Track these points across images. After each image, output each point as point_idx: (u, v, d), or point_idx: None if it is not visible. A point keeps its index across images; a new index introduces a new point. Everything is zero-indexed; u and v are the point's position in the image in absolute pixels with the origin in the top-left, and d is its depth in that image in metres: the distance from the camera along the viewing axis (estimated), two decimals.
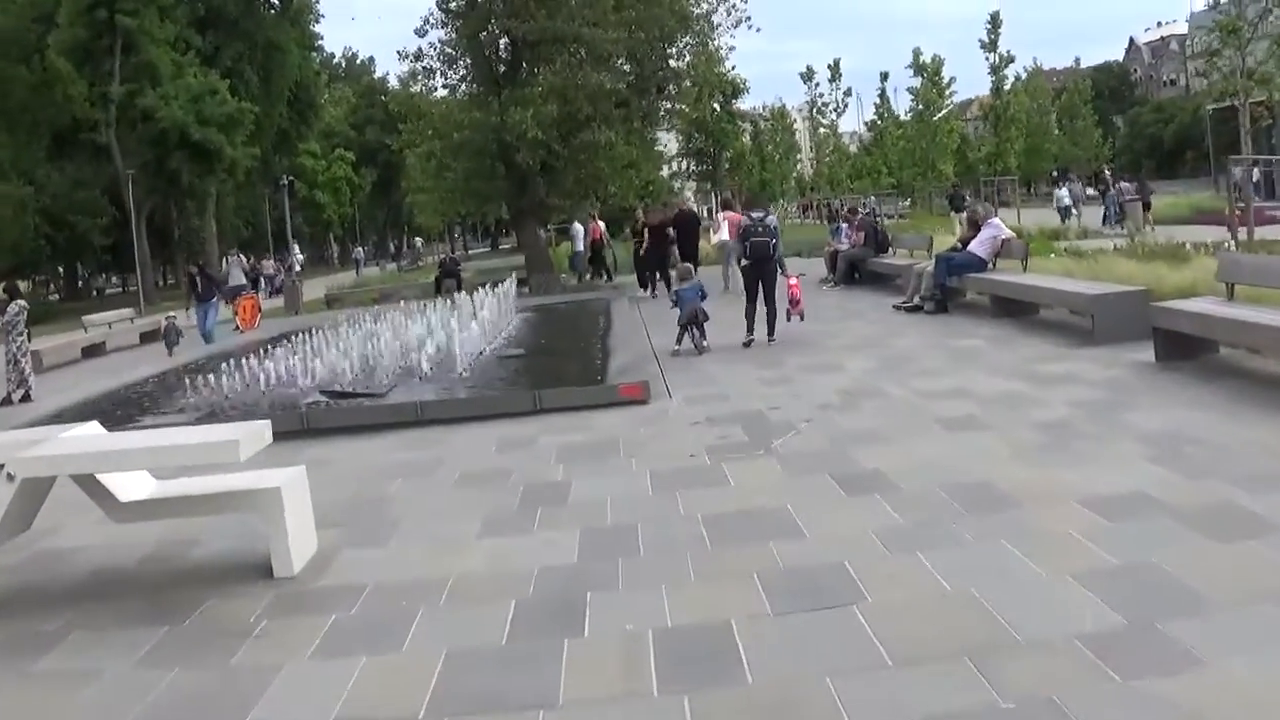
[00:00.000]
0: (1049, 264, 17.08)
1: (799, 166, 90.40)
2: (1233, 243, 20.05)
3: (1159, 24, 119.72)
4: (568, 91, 28.28)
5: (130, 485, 6.31)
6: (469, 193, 32.75)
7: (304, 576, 5.96)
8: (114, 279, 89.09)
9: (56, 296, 75.72)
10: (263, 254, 62.96)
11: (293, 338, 16.00)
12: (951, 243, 18.27)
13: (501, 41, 31.46)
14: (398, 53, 33.80)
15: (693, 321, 13.62)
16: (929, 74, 65.28)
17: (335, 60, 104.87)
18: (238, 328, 25.54)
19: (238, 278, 31.47)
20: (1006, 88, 65.85)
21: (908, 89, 67.63)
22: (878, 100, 75.24)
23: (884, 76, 73.79)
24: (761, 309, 13.73)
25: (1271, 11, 25.87)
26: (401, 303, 20.74)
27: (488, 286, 20.92)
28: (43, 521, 6.66)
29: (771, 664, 4.25)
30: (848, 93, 74.83)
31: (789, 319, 13.85)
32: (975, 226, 16.04)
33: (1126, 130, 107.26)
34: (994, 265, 15.36)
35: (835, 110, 74.70)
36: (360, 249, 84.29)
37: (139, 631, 5.30)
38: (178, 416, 11.79)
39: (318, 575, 5.97)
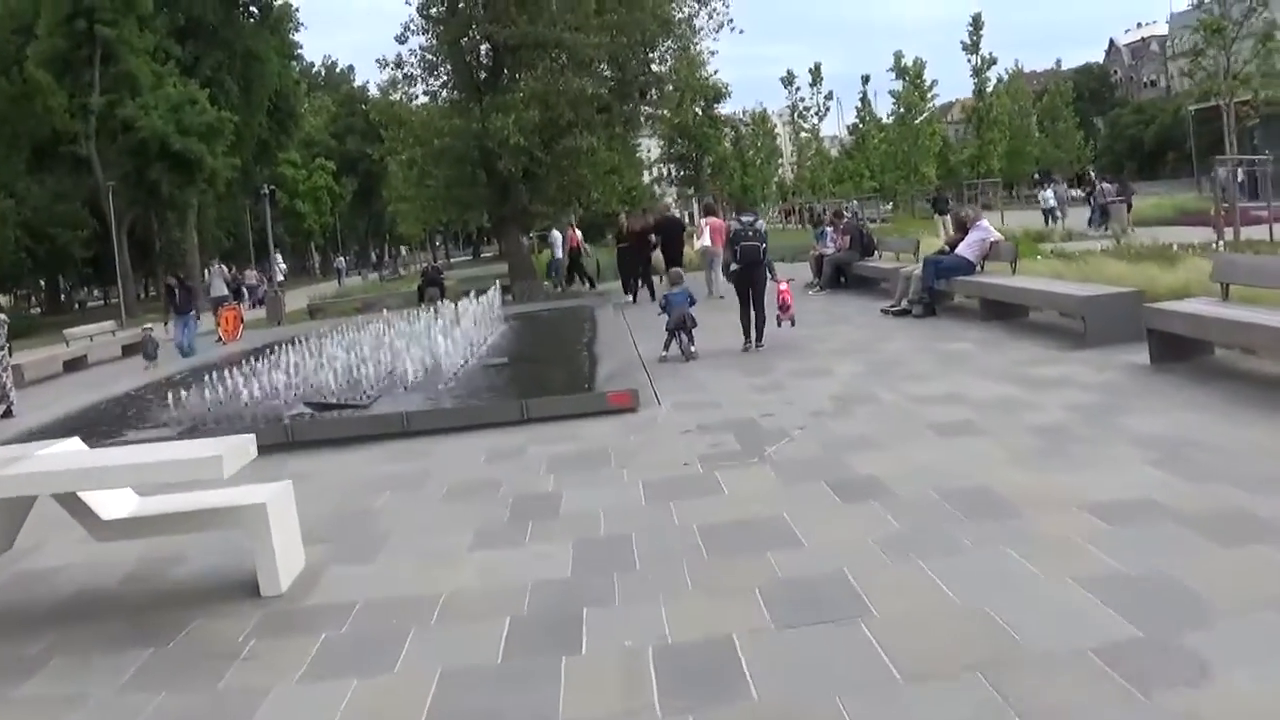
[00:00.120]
0: (1037, 266, 17.04)
1: (780, 171, 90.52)
2: (1220, 243, 20.04)
3: (1139, 25, 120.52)
4: (549, 97, 28.24)
5: (112, 503, 6.16)
6: (451, 200, 32.71)
7: (292, 594, 5.82)
8: (96, 292, 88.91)
9: (38, 310, 75.43)
10: (245, 264, 62.74)
11: (276, 348, 15.84)
12: (937, 246, 18.22)
13: (482, 47, 31.44)
14: (377, 61, 33.78)
15: (681, 327, 13.51)
16: (911, 76, 65.45)
17: (315, 69, 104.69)
18: (220, 339, 25.37)
19: (220, 288, 31.37)
20: (989, 90, 66.07)
21: (889, 92, 67.89)
22: (859, 104, 75.51)
23: (865, 80, 74.11)
24: (751, 314, 13.64)
25: (1256, 10, 25.92)
26: (385, 312, 20.63)
27: (473, 294, 20.82)
28: (23, 540, 6.52)
29: (777, 680, 4.12)
30: (829, 96, 75.13)
31: (779, 324, 13.75)
32: (963, 229, 15.99)
33: (1107, 131, 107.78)
34: (982, 268, 15.29)
35: (816, 114, 74.94)
36: (342, 259, 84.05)
37: (124, 654, 5.16)
38: (160, 431, 11.62)
39: (306, 593, 5.83)
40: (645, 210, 34.66)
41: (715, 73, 39.96)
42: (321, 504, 7.66)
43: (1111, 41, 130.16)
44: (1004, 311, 13.81)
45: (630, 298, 24.44)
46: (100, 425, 12.46)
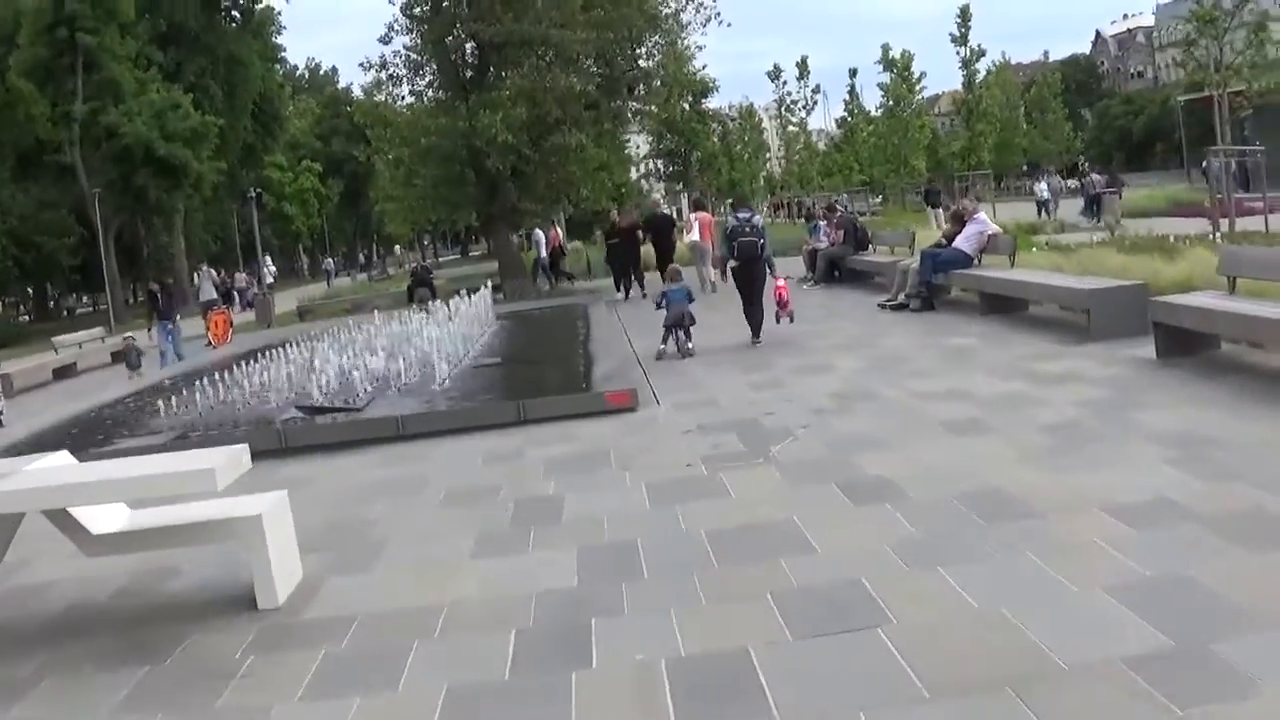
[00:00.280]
0: (1035, 259, 16.93)
1: (768, 165, 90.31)
2: (1217, 235, 19.93)
3: (1125, 16, 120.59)
4: (536, 94, 28.09)
5: (103, 517, 5.99)
6: (438, 199, 32.48)
7: (290, 607, 5.66)
8: (84, 298, 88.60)
9: (27, 318, 75.05)
10: (233, 268, 62.47)
11: (266, 352, 15.66)
12: (934, 238, 18.09)
13: (468, 46, 31.31)
14: (361, 65, 33.60)
15: (678, 324, 13.37)
16: (899, 69, 65.35)
17: (299, 72, 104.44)
18: (210, 343, 25.16)
19: (209, 292, 30.97)
20: (979, 81, 66.00)
21: (878, 84, 67.75)
22: (847, 97, 75.38)
23: (853, 73, 73.93)
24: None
25: (1247, 1, 25.84)
26: (375, 312, 20.43)
27: (464, 293, 20.65)
28: (11, 555, 6.33)
29: (797, 696, 3.96)
30: (816, 90, 74.80)
31: (778, 321, 13.61)
32: (960, 221, 15.83)
33: (1095, 123, 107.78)
34: (979, 261, 15.15)
35: (804, 108, 74.68)
36: (330, 260, 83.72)
37: (118, 673, 4.99)
38: (152, 439, 11.42)
39: (304, 606, 5.66)
40: (637, 205, 34.50)
41: (703, 67, 39.65)
42: (317, 511, 7.49)
43: (1097, 33, 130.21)
44: (1003, 305, 13.67)
45: (622, 294, 24.34)
46: (91, 434, 12.27)
